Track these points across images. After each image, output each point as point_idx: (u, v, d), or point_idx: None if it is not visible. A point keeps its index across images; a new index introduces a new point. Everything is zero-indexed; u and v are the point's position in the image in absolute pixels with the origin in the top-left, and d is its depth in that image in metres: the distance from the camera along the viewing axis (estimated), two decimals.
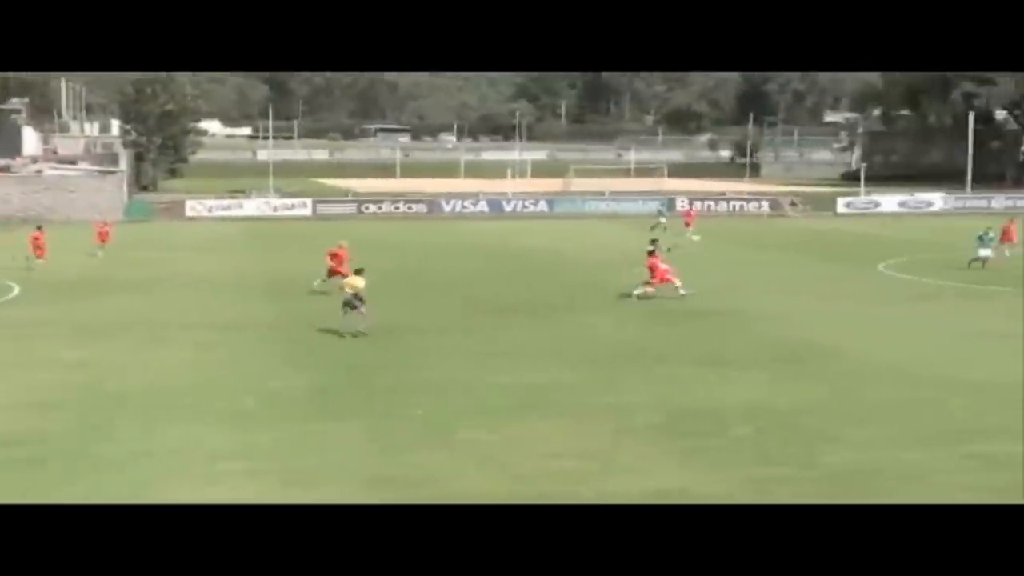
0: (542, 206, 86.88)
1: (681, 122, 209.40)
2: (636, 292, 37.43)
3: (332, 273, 38.64)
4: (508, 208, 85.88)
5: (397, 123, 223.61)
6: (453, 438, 20.10)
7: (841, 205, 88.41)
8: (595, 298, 38.61)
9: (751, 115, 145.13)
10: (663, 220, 69.09)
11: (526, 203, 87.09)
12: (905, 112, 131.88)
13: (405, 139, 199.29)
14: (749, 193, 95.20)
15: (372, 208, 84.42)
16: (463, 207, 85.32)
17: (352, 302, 30.41)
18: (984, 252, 47.10)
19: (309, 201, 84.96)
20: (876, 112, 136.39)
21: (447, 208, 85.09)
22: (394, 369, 26.18)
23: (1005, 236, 51.55)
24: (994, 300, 38.31)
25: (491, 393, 23.66)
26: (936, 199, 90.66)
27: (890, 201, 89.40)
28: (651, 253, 38.91)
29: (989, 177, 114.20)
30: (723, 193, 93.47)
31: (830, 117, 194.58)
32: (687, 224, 65.55)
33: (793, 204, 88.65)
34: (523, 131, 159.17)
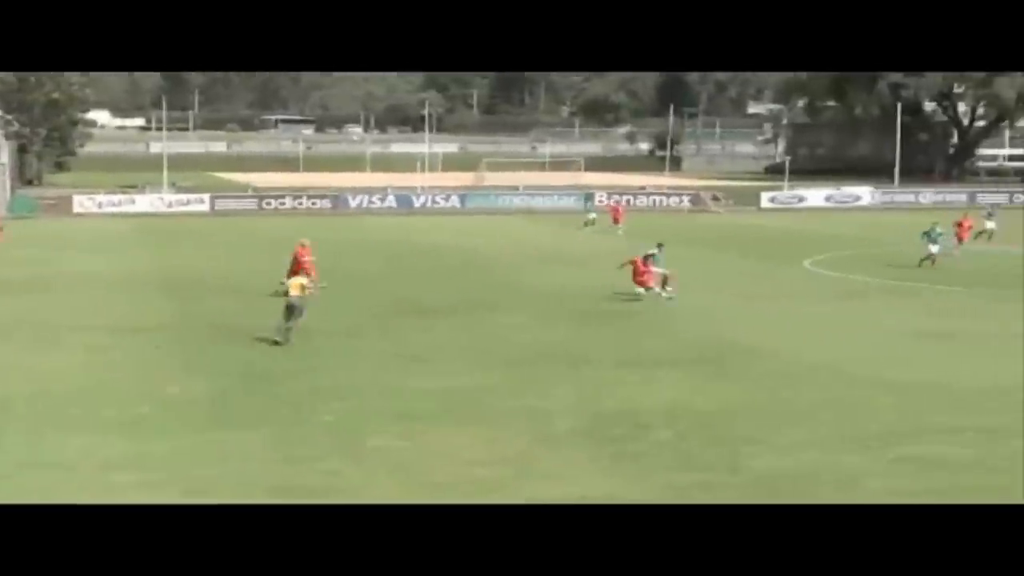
0: (454, 201, 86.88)
1: (598, 113, 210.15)
2: (665, 296, 37.27)
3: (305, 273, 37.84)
4: (418, 203, 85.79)
5: (300, 114, 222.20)
6: (363, 446, 20.03)
7: (765, 200, 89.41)
8: (514, 297, 38.70)
9: (671, 106, 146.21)
10: (593, 215, 69.47)
11: (437, 198, 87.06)
12: (831, 103, 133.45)
13: (308, 131, 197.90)
14: (670, 187, 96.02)
15: (274, 203, 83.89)
16: (370, 202, 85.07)
17: (299, 308, 29.39)
18: (934, 248, 46.93)
19: (206, 196, 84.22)
20: (801, 103, 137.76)
21: (353, 203, 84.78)
22: (301, 373, 26.03)
23: (960, 234, 51.73)
24: (922, 297, 38.98)
25: (405, 398, 23.62)
26: (863, 193, 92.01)
27: (816, 195, 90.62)
28: (647, 257, 38.35)
29: (917, 171, 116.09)
30: (643, 187, 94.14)
31: (753, 108, 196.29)
32: (615, 221, 66.16)
33: (715, 199, 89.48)
34: (433, 123, 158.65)
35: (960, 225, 52.39)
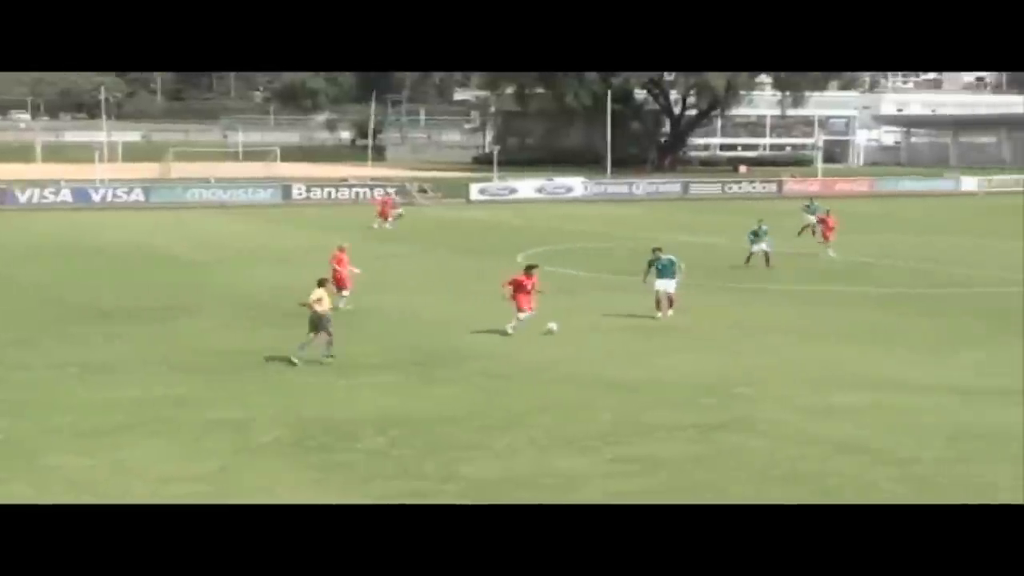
0: (137, 195, 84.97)
1: (295, 99, 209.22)
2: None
3: (340, 284, 35.45)
4: (97, 198, 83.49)
5: None
6: (40, 464, 19.46)
7: (475, 191, 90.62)
8: (207, 300, 38.15)
9: (373, 92, 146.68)
10: (400, 211, 68.44)
11: (118, 192, 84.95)
12: (540, 91, 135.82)
13: None
14: (373, 179, 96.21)
15: None
16: (42, 197, 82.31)
17: (323, 323, 27.50)
18: (760, 247, 46.82)
19: None
20: (509, 90, 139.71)
21: (22, 199, 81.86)
22: None
23: (826, 231, 52.29)
24: (640, 293, 40.16)
25: (88, 411, 23.04)
26: (576, 184, 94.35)
27: (527, 186, 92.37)
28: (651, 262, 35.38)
29: (630, 161, 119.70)
30: (344, 179, 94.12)
31: (460, 95, 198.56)
32: (383, 215, 65.52)
33: (423, 190, 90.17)
34: (111, 109, 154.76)
35: (825, 223, 52.75)
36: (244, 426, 21.85)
